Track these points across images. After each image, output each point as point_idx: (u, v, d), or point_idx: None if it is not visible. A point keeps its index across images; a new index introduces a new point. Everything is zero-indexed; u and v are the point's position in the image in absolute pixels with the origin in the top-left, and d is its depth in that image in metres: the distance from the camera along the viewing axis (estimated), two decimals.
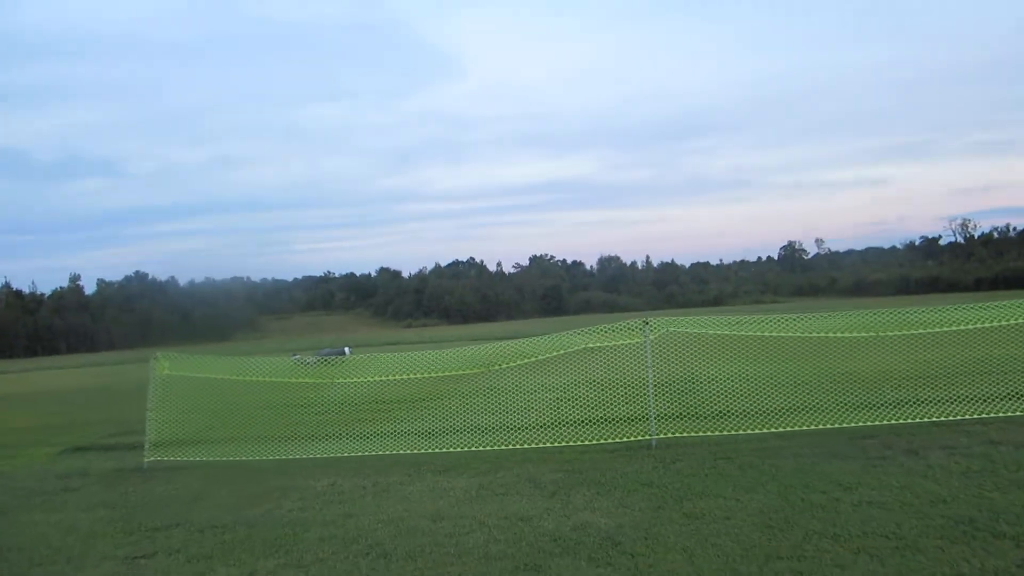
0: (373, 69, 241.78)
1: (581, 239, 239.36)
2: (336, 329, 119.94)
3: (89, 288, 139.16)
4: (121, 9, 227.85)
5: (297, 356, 40.22)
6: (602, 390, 15.40)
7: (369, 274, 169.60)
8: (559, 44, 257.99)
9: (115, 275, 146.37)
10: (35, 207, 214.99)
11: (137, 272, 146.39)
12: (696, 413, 12.48)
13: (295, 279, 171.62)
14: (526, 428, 12.31)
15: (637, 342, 11.92)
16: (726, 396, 13.18)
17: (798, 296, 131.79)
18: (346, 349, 37.68)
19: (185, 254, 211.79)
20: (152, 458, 12.60)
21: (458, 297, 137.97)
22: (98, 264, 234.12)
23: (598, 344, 12.32)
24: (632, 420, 12.16)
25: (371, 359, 16.51)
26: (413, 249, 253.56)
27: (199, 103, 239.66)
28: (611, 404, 14.11)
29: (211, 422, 14.98)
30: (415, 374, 13.07)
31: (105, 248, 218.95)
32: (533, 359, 12.49)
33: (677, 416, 12.29)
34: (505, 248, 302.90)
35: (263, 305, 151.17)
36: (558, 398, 15.96)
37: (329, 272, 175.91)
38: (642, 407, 11.86)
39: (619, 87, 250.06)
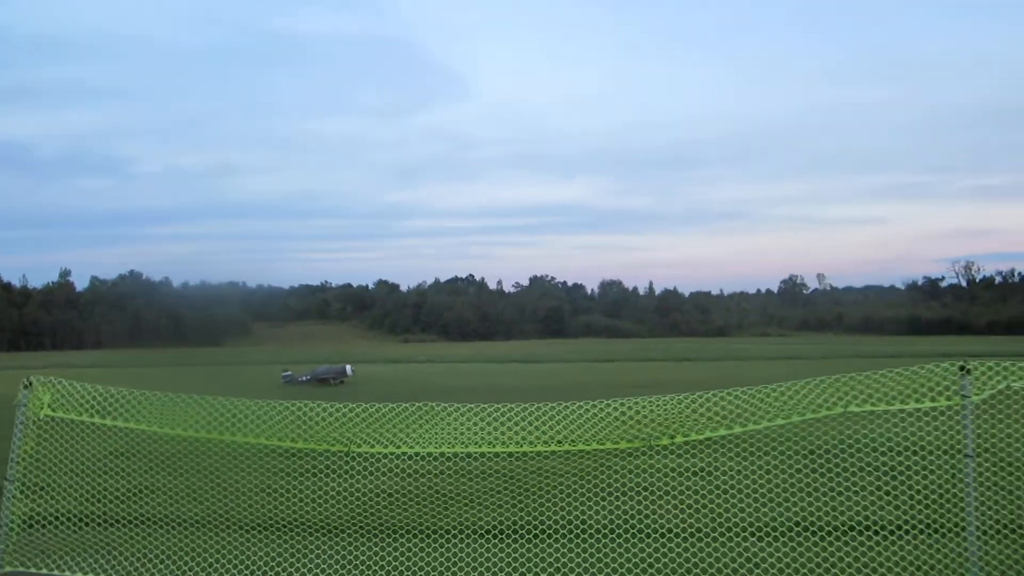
0: (382, 84, 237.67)
1: (581, 262, 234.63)
2: (331, 340, 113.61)
3: (81, 285, 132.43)
4: (137, 13, 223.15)
5: (288, 373, 34.14)
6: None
7: (367, 286, 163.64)
8: (565, 70, 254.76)
9: (109, 273, 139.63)
10: (34, 202, 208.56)
11: (131, 271, 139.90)
12: None
13: (291, 287, 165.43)
14: None
15: (940, 406, 6.03)
16: None
17: (803, 330, 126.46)
18: (348, 368, 31.74)
19: (181, 257, 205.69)
20: (7, 569, 6.74)
21: (457, 313, 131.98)
22: (93, 262, 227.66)
23: (865, 409, 6.30)
24: None
25: (418, 414, 8.88)
26: (412, 264, 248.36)
27: (207, 109, 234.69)
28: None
29: (120, 506, 8.90)
30: (508, 446, 7.11)
31: (102, 247, 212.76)
32: (739, 428, 6.55)
33: None
34: (504, 267, 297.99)
35: (257, 312, 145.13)
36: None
37: (326, 282, 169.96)
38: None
39: (622, 114, 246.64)
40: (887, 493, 8.02)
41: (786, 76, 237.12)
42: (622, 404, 7.70)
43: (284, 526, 8.51)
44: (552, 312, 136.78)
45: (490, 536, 8.15)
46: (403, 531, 8.31)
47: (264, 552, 7.80)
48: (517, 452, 7.37)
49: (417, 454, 7.51)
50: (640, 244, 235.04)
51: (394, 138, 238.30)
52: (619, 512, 8.60)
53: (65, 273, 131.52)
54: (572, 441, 7.22)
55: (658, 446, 7.16)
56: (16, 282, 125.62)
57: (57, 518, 7.90)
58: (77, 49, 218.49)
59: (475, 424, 7.61)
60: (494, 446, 7.16)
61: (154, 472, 10.93)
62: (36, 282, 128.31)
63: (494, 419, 7.58)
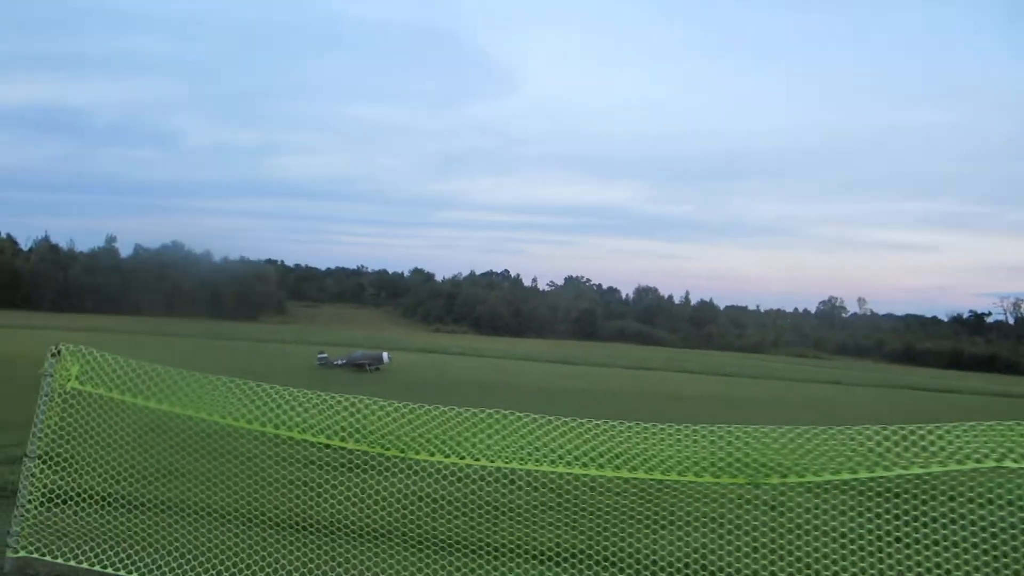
0: (430, 74, 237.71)
1: (617, 266, 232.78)
2: (364, 324, 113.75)
3: (125, 252, 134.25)
4: None
5: (324, 355, 33.67)
6: None
7: (402, 273, 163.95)
8: (615, 71, 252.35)
9: (153, 242, 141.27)
10: (86, 168, 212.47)
11: (174, 242, 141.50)
12: None
13: (327, 269, 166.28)
14: None
15: None
16: None
17: (841, 355, 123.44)
18: (384, 355, 31.11)
19: (223, 231, 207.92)
20: (22, 553, 6.06)
21: (490, 307, 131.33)
22: (138, 230, 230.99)
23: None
24: None
25: (488, 421, 7.68)
26: (447, 255, 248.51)
27: (257, 88, 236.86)
28: None
29: (147, 489, 8.24)
30: (587, 467, 6.31)
31: (147, 216, 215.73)
32: (865, 473, 5.63)
33: None
34: (539, 265, 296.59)
35: (293, 290, 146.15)
36: None
37: (362, 266, 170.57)
38: None
39: (669, 120, 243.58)
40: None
41: (839, 93, 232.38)
42: (713, 431, 6.77)
43: (321, 527, 7.76)
44: (585, 314, 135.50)
45: (545, 559, 7.34)
46: (450, 545, 7.49)
47: (299, 554, 7.07)
48: (600, 476, 6.45)
49: (484, 468, 6.61)
50: (678, 252, 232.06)
51: (438, 128, 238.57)
52: (685, 545, 7.69)
53: (111, 239, 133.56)
54: (664, 469, 6.29)
55: (765, 484, 6.21)
56: (63, 245, 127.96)
57: (80, 495, 7.23)
58: (132, 19, 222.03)
59: (545, 436, 6.76)
60: (572, 466, 6.27)
61: (186, 453, 10.28)
62: (83, 246, 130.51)
63: (564, 434, 6.75)
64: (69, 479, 7.04)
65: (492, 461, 6.48)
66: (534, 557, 7.70)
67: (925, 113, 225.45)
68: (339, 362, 30.22)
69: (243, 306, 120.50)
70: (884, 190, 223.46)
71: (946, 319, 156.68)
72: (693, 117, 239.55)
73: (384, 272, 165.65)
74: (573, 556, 7.29)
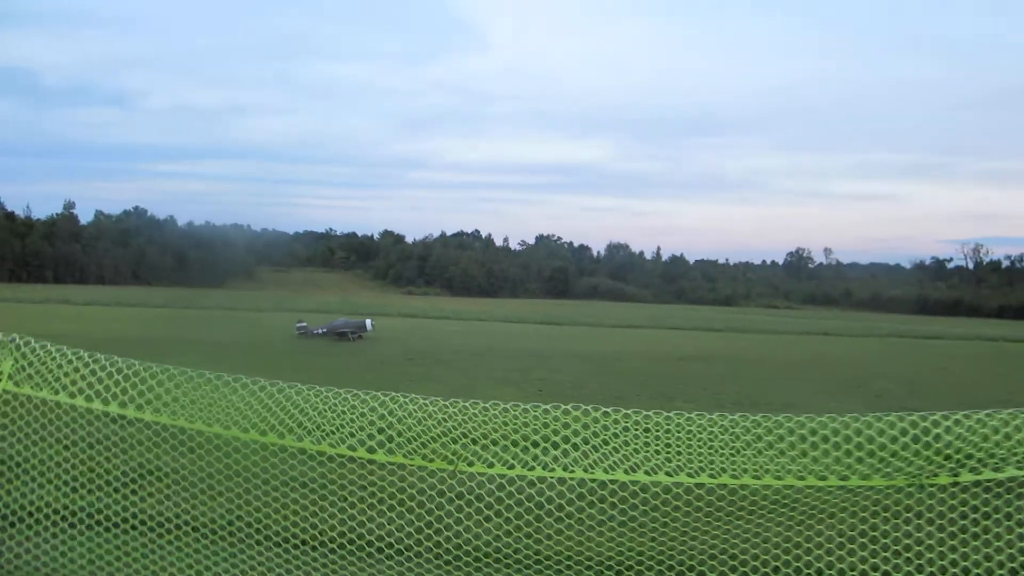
0: (398, 32, 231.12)
1: (588, 223, 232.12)
2: (335, 288, 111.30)
3: (85, 218, 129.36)
4: None
5: (303, 324, 31.79)
6: None
7: (372, 236, 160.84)
8: (583, 28, 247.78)
9: (114, 208, 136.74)
10: (39, 130, 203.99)
11: (136, 207, 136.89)
12: None
13: (296, 233, 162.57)
14: None
15: None
16: None
17: (810, 304, 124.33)
18: (368, 322, 29.32)
19: (187, 195, 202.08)
20: None
21: (463, 268, 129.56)
22: (98, 196, 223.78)
23: None
24: None
25: (564, 418, 5.91)
26: (417, 216, 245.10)
27: (218, 45, 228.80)
28: None
29: (114, 499, 6.50)
30: (704, 474, 4.86)
31: (107, 180, 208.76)
32: None
33: None
34: (510, 225, 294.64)
35: (261, 255, 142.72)
36: None
37: (331, 229, 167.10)
38: None
39: (638, 76, 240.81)
40: None
41: (805, 48, 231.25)
42: (856, 419, 5.28)
43: (340, 543, 6.19)
44: (558, 272, 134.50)
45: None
46: (497, 559, 5.99)
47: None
48: (734, 485, 4.95)
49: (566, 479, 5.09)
50: (648, 208, 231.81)
51: (407, 87, 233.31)
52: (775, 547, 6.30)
53: (69, 205, 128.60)
54: (799, 472, 4.81)
55: (931, 486, 4.76)
56: (20, 212, 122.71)
57: (31, 515, 5.59)
58: None
59: (645, 435, 5.26)
60: (695, 475, 4.76)
61: (161, 447, 8.61)
62: (40, 213, 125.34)
63: (668, 431, 5.25)
64: (15, 495, 5.42)
65: (590, 473, 4.96)
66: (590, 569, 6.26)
67: (888, 67, 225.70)
68: (319, 331, 28.47)
69: (210, 272, 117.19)
70: (849, 143, 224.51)
71: (909, 266, 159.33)
72: (661, 73, 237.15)
73: (354, 235, 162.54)
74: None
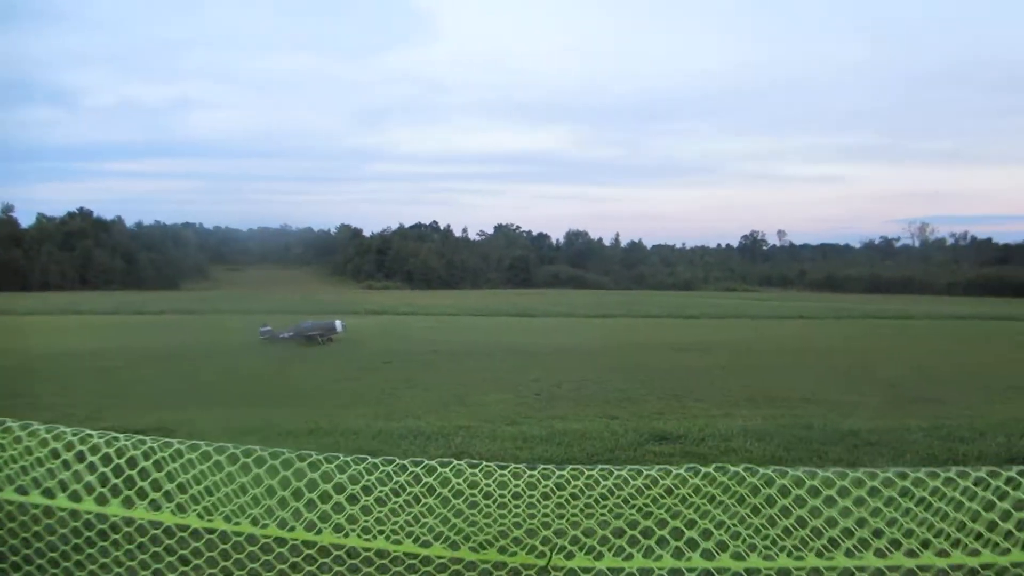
0: (347, 21, 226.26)
1: (546, 212, 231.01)
2: (292, 285, 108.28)
3: (26, 222, 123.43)
4: None
5: (267, 328, 29.91)
6: None
7: (328, 230, 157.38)
8: (537, 16, 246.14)
9: (57, 211, 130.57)
10: None
11: (81, 209, 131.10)
12: None
13: (250, 229, 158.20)
14: None
15: None
16: None
17: (766, 286, 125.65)
18: (338, 324, 27.62)
19: (135, 195, 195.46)
20: None
21: (423, 260, 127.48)
22: (39, 198, 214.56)
23: None
24: None
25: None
26: (374, 209, 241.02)
27: (164, 39, 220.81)
28: None
29: None
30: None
31: (48, 182, 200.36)
32: None
33: None
34: (468, 215, 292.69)
35: (215, 254, 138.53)
36: None
37: (286, 225, 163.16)
38: None
39: (593, 63, 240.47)
40: None
41: (755, 31, 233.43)
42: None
43: None
44: (518, 261, 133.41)
45: None
46: None
47: None
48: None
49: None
50: (605, 195, 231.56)
51: (360, 79, 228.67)
52: None
53: (8, 208, 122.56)
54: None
55: None
56: None
57: None
58: None
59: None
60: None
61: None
62: None
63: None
64: None
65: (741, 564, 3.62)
66: None
67: (834, 49, 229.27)
68: (286, 335, 26.69)
69: (162, 274, 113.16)
70: (798, 125, 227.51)
71: (859, 246, 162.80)
72: (616, 59, 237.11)
73: (309, 230, 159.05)
74: None
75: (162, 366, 18.69)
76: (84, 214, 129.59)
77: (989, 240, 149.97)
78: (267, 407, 12.83)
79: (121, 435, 4.05)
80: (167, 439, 4.09)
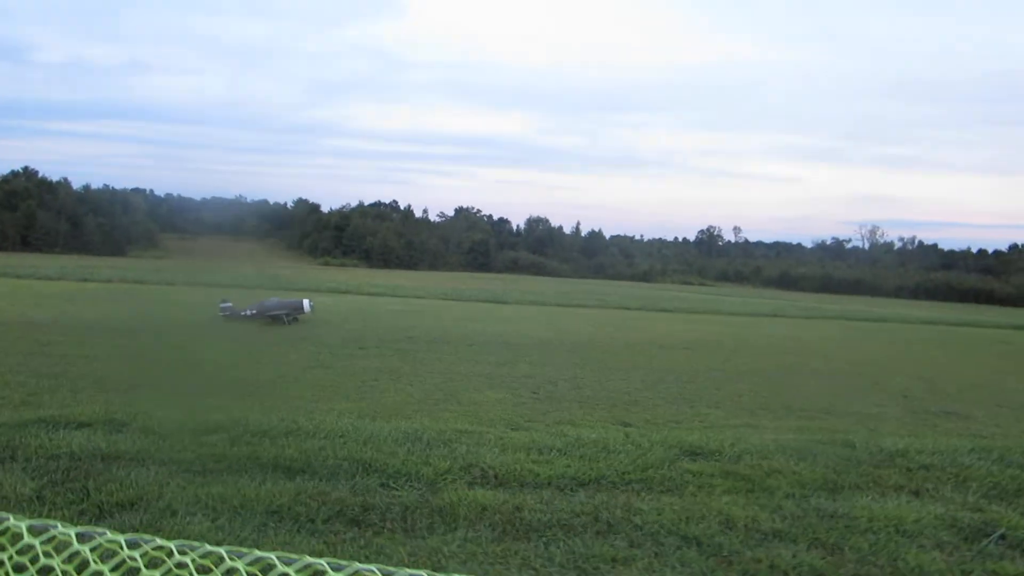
0: None
1: (507, 197, 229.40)
2: (248, 258, 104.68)
3: None
4: None
5: (228, 304, 27.89)
6: None
7: (285, 204, 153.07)
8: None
9: (0, 169, 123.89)
10: None
11: (26, 168, 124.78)
12: None
13: (203, 199, 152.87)
14: None
15: None
16: None
17: (722, 281, 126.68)
18: (306, 303, 25.80)
19: (83, 157, 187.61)
20: None
21: (381, 239, 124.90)
22: None
23: None
24: None
25: None
26: (333, 185, 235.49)
27: None
28: None
29: None
30: None
31: None
32: None
33: None
34: (428, 196, 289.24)
35: (165, 222, 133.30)
36: None
37: (241, 196, 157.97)
38: None
39: (558, 50, 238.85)
40: None
41: (718, 28, 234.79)
42: None
43: None
44: (478, 245, 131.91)
45: None
46: None
47: None
48: None
49: None
50: (567, 183, 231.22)
51: (321, 50, 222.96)
52: None
53: None
54: None
55: None
56: None
57: None
58: None
59: None
60: None
61: None
62: None
63: None
64: None
65: None
66: None
67: (794, 53, 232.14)
68: (248, 312, 24.84)
69: (110, 239, 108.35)
70: (757, 124, 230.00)
71: (811, 245, 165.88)
72: (581, 48, 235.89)
73: (265, 202, 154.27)
74: None
75: (111, 342, 16.83)
76: (29, 173, 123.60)
77: (935, 246, 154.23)
78: (234, 397, 11.28)
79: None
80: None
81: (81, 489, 7.00)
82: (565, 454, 8.61)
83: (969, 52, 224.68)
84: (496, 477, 7.84)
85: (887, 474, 8.33)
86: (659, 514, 6.84)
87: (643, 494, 7.48)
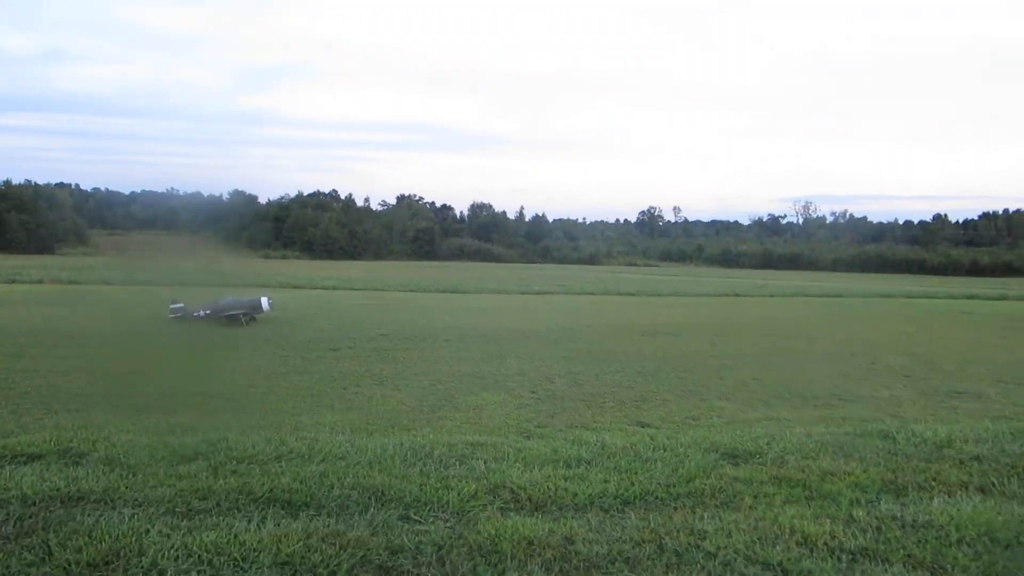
0: None
1: (450, 183, 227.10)
2: (184, 253, 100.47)
3: None
4: None
5: (179, 305, 26.07)
6: None
7: (220, 196, 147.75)
8: None
9: None
10: None
11: None
12: None
13: (133, 192, 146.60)
14: None
15: None
16: None
17: (666, 261, 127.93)
18: (264, 301, 24.17)
19: (1, 151, 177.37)
20: None
21: (323, 230, 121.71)
22: None
23: None
24: None
25: None
26: (270, 175, 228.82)
27: None
28: None
29: None
30: None
31: None
32: None
33: None
34: (369, 184, 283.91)
35: (94, 217, 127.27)
36: None
37: (173, 188, 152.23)
38: None
39: (493, 34, 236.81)
40: None
41: (652, 9, 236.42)
42: None
43: None
44: (423, 233, 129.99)
45: None
46: None
47: None
48: None
49: None
50: (509, 167, 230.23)
51: (252, 36, 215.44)
52: None
53: None
54: None
55: None
56: None
57: None
58: None
59: None
60: None
61: None
62: None
63: None
64: None
65: None
66: None
67: (724, 28, 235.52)
68: (202, 313, 23.15)
69: (35, 238, 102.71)
70: (692, 102, 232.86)
71: (748, 223, 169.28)
72: (520, 31, 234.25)
73: (199, 194, 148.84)
74: None
75: (52, 352, 15.15)
76: None
77: (864, 218, 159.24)
78: (203, 413, 9.98)
79: None
80: None
81: (40, 546, 5.69)
82: (596, 466, 7.69)
83: (883, 24, 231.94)
84: (530, 500, 6.85)
85: (943, 469, 7.68)
86: (728, 536, 5.98)
87: (699, 511, 6.59)
